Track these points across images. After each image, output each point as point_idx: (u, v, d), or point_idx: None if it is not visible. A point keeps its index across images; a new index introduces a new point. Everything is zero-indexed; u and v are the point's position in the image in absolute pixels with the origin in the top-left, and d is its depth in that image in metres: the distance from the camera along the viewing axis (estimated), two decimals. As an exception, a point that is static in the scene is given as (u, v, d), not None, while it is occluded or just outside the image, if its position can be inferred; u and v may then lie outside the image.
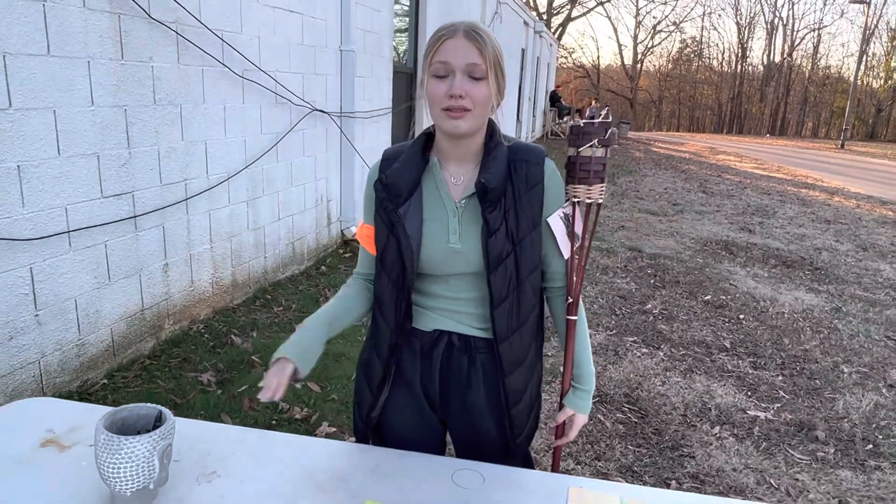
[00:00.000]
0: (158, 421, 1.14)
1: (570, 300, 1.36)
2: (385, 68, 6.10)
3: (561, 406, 1.40)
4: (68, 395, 2.68)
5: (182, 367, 3.06)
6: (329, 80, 4.96)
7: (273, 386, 1.19)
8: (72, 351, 2.76)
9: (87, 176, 2.75)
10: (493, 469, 1.28)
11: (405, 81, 7.08)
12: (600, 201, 1.36)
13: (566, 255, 1.33)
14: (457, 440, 1.42)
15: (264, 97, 4.05)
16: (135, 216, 3.04)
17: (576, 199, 1.35)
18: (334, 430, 2.60)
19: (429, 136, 1.31)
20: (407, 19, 7.10)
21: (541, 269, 1.34)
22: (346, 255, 5.26)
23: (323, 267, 4.89)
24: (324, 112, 4.86)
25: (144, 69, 3.01)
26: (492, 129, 1.28)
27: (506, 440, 1.37)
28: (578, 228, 1.35)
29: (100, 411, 1.40)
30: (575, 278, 1.36)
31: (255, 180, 4.06)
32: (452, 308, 1.32)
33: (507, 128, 9.94)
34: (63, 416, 1.36)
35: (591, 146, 1.35)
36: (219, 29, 3.50)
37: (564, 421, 1.39)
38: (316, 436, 2.50)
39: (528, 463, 1.47)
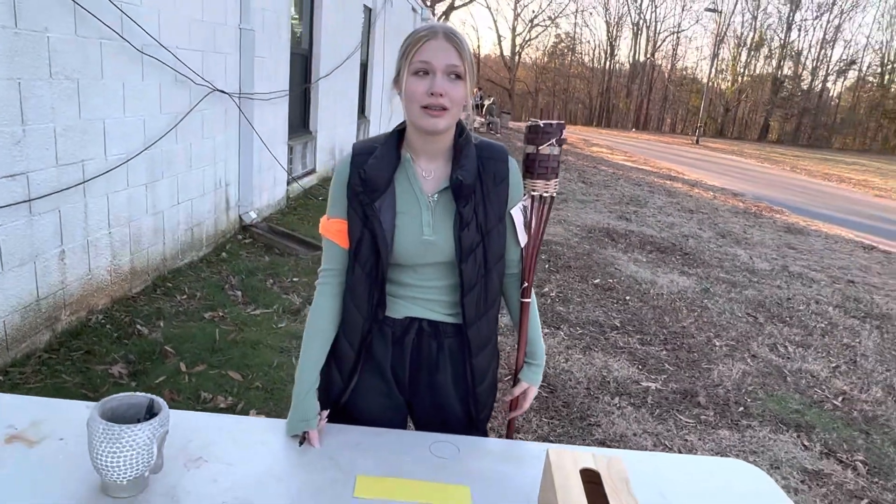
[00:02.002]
0: (150, 409, 1.13)
1: (526, 284, 1.49)
2: (283, 49, 5.95)
3: (516, 381, 1.53)
4: (-41, 394, 2.46)
5: (87, 359, 2.89)
6: (228, 59, 4.77)
7: (315, 438, 1.32)
8: (-39, 346, 2.53)
9: (-23, 154, 2.51)
10: (465, 440, 1.39)
11: (301, 63, 6.93)
12: (554, 195, 1.50)
13: (523, 243, 1.46)
14: (421, 418, 1.50)
15: (164, 75, 3.84)
16: (29, 199, 2.81)
17: (534, 193, 1.47)
18: (263, 416, 2.59)
19: (400, 132, 1.37)
20: (302, 1, 6.94)
21: (504, 257, 1.45)
22: (246, 241, 5.12)
23: (223, 253, 4.74)
24: (224, 92, 4.68)
25: (40, 39, 2.78)
26: (461, 127, 1.36)
27: (469, 417, 1.47)
28: (534, 220, 1.48)
29: (56, 405, 1.35)
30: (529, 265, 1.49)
31: (154, 162, 3.86)
32: (423, 296, 1.39)
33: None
34: (19, 412, 1.29)
35: (549, 145, 1.48)
36: (118, 0, 3.28)
37: (519, 394, 1.52)
38: (246, 424, 2.49)
39: (484, 436, 1.59)
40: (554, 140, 1.48)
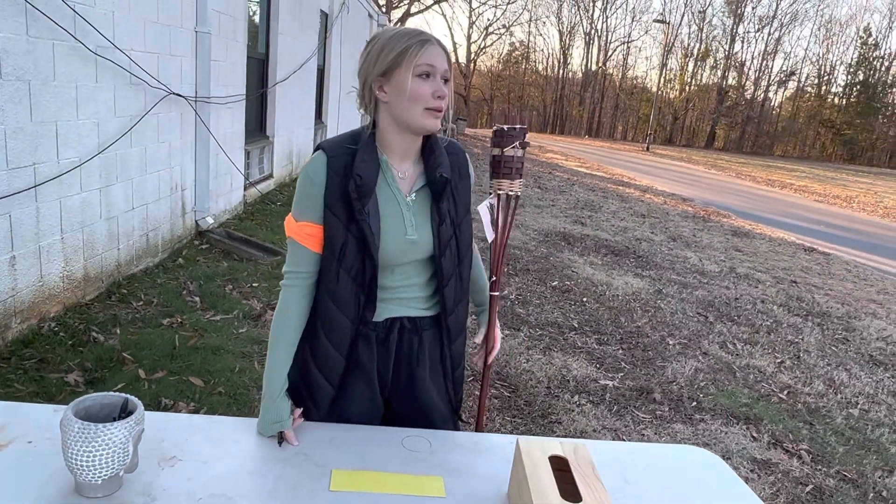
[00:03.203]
0: (125, 409, 1.13)
1: (494, 279, 1.55)
2: (240, 53, 5.89)
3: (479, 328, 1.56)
4: None
5: (40, 368, 2.81)
6: (184, 62, 4.71)
7: (293, 437, 1.33)
8: None
9: (-77, 157, 2.42)
10: (437, 434, 1.43)
11: (258, 67, 6.87)
12: (518, 194, 1.56)
13: (490, 239, 1.52)
14: (398, 412, 1.50)
15: (119, 77, 3.77)
16: (-22, 203, 2.73)
17: (500, 192, 1.53)
18: (227, 422, 2.56)
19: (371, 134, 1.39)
20: (258, 5, 6.89)
21: (473, 245, 1.51)
22: (203, 247, 5.04)
23: (180, 259, 4.65)
24: (180, 95, 4.61)
25: (-11, 39, 2.70)
26: None
27: (448, 402, 1.51)
28: (501, 217, 1.54)
29: (22, 408, 1.33)
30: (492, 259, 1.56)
31: (108, 166, 3.77)
32: (401, 295, 1.41)
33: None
34: (-17, 416, 1.27)
35: (513, 147, 1.54)
36: (72, 0, 3.21)
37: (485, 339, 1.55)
38: (209, 429, 2.46)
39: (456, 427, 1.63)
40: (517, 143, 1.55)
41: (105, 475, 1.06)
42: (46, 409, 1.34)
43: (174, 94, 4.50)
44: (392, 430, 1.42)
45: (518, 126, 1.55)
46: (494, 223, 1.53)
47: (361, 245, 1.30)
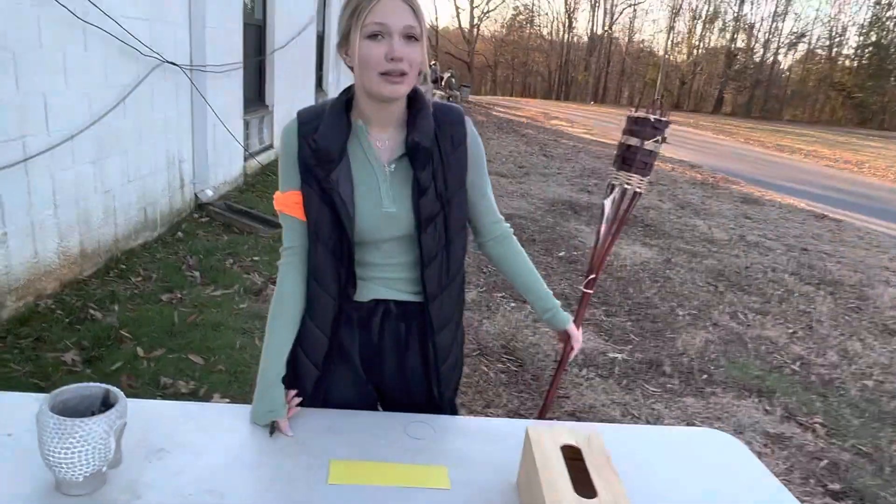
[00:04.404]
0: (106, 400, 1.06)
1: (593, 276, 1.49)
2: (236, 19, 5.71)
3: (563, 332, 1.50)
4: None
5: (37, 347, 2.75)
6: (178, 29, 4.56)
7: (287, 427, 1.25)
8: None
9: None
10: (440, 420, 1.35)
11: (255, 34, 6.69)
12: (641, 191, 1.48)
13: (602, 235, 1.46)
14: (389, 402, 1.44)
15: (109, 45, 3.64)
16: (-34, 178, 2.64)
17: (627, 188, 1.44)
18: (227, 401, 2.51)
19: (348, 99, 1.28)
20: (255, -33, 6.67)
21: (467, 227, 1.39)
22: (203, 220, 4.95)
23: (179, 233, 4.57)
24: (174, 64, 4.48)
25: (-31, 6, 2.58)
26: (414, 90, 1.25)
27: (433, 396, 1.43)
28: (613, 212, 1.48)
29: (2, 398, 1.26)
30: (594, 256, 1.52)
31: (101, 139, 3.66)
32: (387, 275, 1.31)
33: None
34: (-40, 407, 1.20)
35: (654, 141, 1.43)
36: (55, -36, 3.07)
37: (568, 339, 1.50)
38: (209, 408, 2.41)
39: (454, 414, 1.55)
40: (660, 137, 1.44)
41: (86, 472, 0.99)
42: (28, 398, 1.27)
43: (168, 62, 4.36)
44: (394, 417, 1.34)
45: (664, 118, 1.46)
46: (609, 219, 1.46)
47: (335, 216, 1.21)
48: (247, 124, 6.38)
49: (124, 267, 3.80)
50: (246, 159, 6.36)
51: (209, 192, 5.22)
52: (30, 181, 3.06)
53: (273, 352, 1.28)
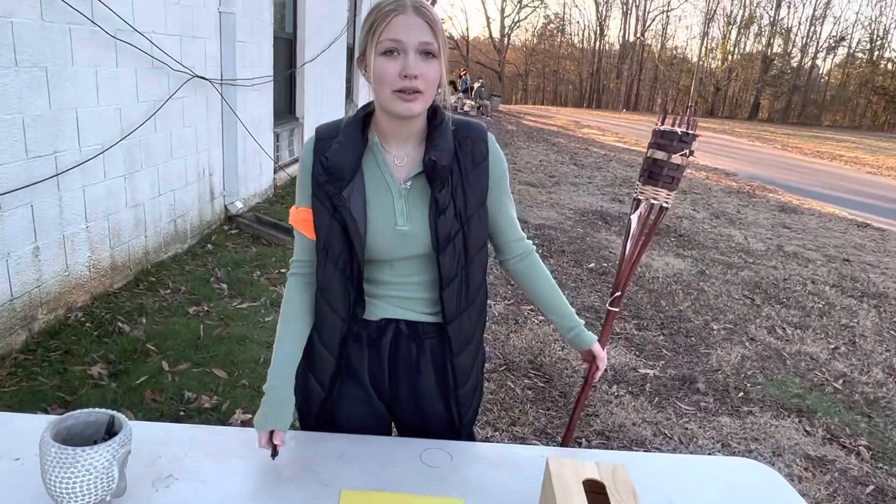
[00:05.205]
0: (111, 427, 1.03)
1: (618, 294, 1.44)
2: (266, 33, 5.78)
3: (587, 351, 1.45)
4: (-71, 401, 2.35)
5: (65, 360, 2.78)
6: (208, 44, 4.61)
7: (279, 445, 1.20)
8: (-71, 350, 2.41)
9: (-62, 148, 2.38)
10: (458, 446, 1.30)
11: (285, 48, 6.76)
12: (668, 206, 1.43)
13: (629, 251, 1.42)
14: (403, 425, 1.40)
15: (140, 61, 3.69)
16: (-2, 194, 2.69)
17: (654, 202, 1.39)
18: (250, 416, 2.49)
19: (366, 114, 1.25)
20: (285, -18, 6.75)
21: (488, 246, 1.34)
22: (232, 232, 4.99)
23: (209, 245, 4.61)
24: (204, 78, 4.53)
25: (3, 25, 2.63)
26: (434, 107, 1.23)
27: (452, 421, 1.38)
28: (639, 228, 1.43)
29: (14, 420, 1.25)
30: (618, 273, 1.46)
31: (132, 153, 3.72)
32: (400, 294, 1.28)
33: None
34: (-28, 429, 1.19)
35: (682, 154, 1.38)
36: (87, -17, 3.13)
37: (593, 359, 1.45)
38: (230, 424, 2.40)
39: (471, 440, 1.50)
40: (687, 150, 1.40)
41: (88, 502, 0.96)
42: (39, 420, 1.25)
43: (198, 77, 4.41)
44: (409, 443, 1.29)
45: (690, 131, 1.41)
46: (634, 235, 1.42)
47: (346, 234, 1.19)
48: (277, 136, 6.43)
49: (154, 279, 3.84)
50: (276, 171, 6.41)
51: (239, 205, 5.27)
52: (61, 195, 3.11)
53: (278, 362, 1.26)
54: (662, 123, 1.48)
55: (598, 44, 54.22)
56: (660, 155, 1.42)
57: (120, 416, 1.03)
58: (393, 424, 1.42)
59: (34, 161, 2.89)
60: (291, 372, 1.26)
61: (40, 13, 2.84)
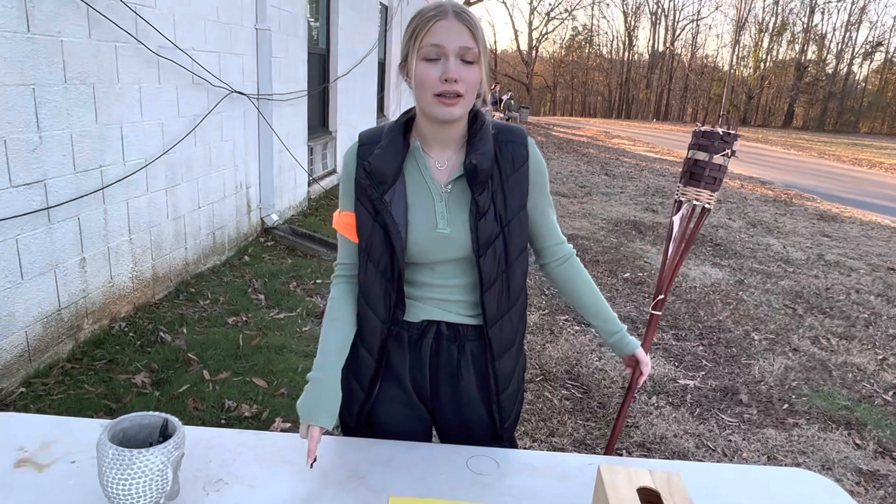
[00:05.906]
0: (164, 429, 1.05)
1: (662, 297, 1.43)
2: (300, 49, 5.88)
3: (631, 356, 1.43)
4: (-18, 408, 2.42)
5: (110, 369, 2.84)
6: (245, 60, 4.72)
7: (312, 450, 1.17)
8: (-18, 358, 2.49)
9: (-7, 163, 2.47)
10: (504, 454, 1.28)
11: (319, 63, 6.87)
12: (710, 207, 1.42)
13: (671, 253, 1.41)
14: (445, 429, 1.39)
15: (181, 77, 3.79)
16: (48, 207, 2.77)
17: (696, 203, 1.39)
18: (289, 425, 2.51)
19: (408, 119, 1.27)
20: (318, 0, 6.88)
21: (528, 249, 1.34)
22: (269, 244, 5.06)
23: (246, 257, 4.69)
24: (242, 94, 4.63)
25: (53, 44, 2.73)
26: (475, 111, 1.24)
27: (494, 426, 1.37)
28: (681, 230, 1.42)
29: (69, 424, 1.27)
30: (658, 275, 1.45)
31: (173, 166, 3.81)
32: (440, 296, 1.28)
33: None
34: (30, 433, 1.22)
35: (723, 154, 1.38)
36: (132, 2, 3.23)
37: (636, 364, 1.43)
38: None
39: (513, 447, 1.48)
40: (728, 150, 1.39)
41: (144, 504, 0.97)
42: (94, 424, 1.28)
43: (236, 92, 4.51)
44: (455, 449, 1.28)
45: (732, 131, 1.41)
46: (676, 237, 1.41)
47: (387, 237, 1.20)
48: (311, 150, 6.53)
49: (193, 290, 3.91)
50: (310, 184, 6.50)
51: (274, 217, 5.34)
52: (106, 208, 3.19)
53: (324, 355, 1.27)
54: (703, 125, 1.47)
55: (626, 54, 53.92)
56: (701, 155, 1.41)
57: (174, 419, 1.04)
58: (433, 429, 1.42)
59: (82, 175, 2.98)
60: (336, 367, 1.26)
61: (88, 32, 2.93)
